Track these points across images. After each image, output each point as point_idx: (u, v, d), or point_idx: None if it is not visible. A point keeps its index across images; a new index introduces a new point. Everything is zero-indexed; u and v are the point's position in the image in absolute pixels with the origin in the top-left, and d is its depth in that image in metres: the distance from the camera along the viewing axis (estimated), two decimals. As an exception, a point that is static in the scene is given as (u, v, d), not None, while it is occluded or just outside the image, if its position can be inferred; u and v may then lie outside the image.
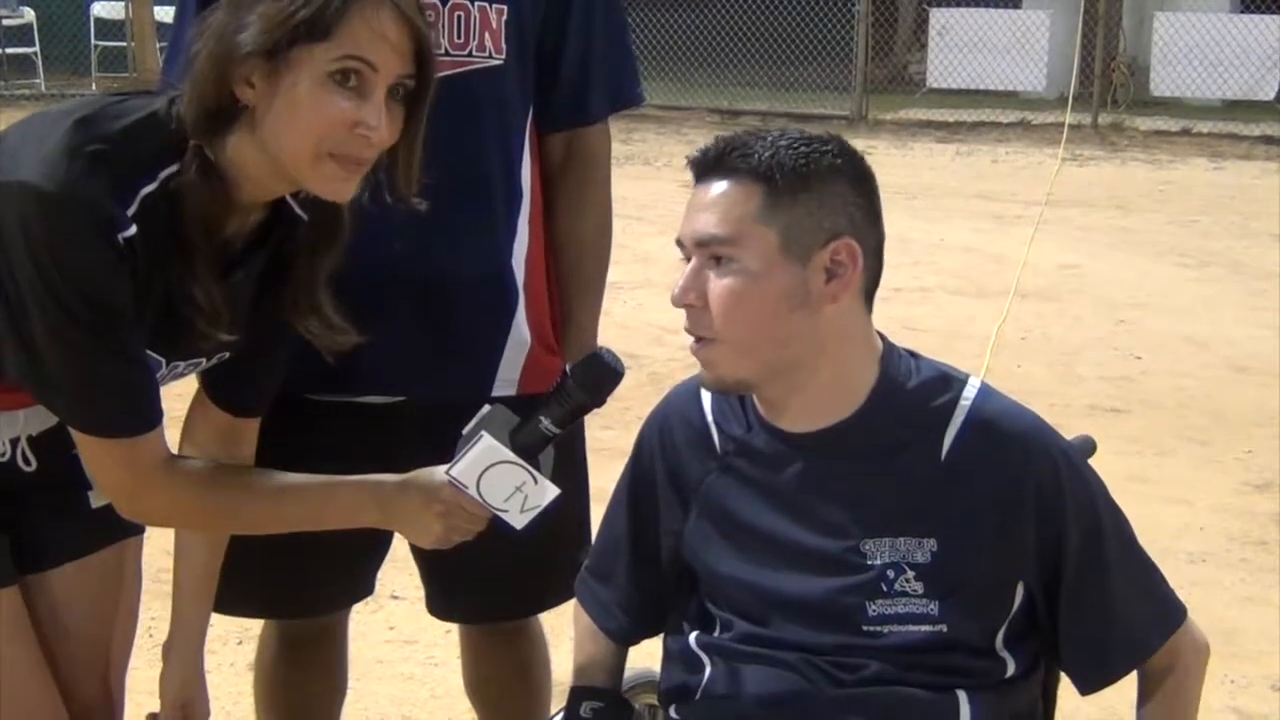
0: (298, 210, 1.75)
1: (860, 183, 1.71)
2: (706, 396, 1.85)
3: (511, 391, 2.13)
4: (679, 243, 1.74)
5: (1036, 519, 1.71)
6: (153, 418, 1.69)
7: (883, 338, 1.78)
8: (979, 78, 14.16)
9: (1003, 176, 10.89)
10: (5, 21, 14.62)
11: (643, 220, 8.06)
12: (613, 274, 2.34)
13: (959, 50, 14.20)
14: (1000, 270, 7.60)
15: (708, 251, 1.69)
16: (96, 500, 1.90)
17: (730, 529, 1.79)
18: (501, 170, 2.10)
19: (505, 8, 2.04)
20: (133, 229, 1.59)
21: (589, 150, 2.21)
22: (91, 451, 1.70)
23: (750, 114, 13.67)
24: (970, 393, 1.75)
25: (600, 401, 1.69)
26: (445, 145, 2.02)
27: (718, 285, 1.68)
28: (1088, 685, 1.79)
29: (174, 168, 1.62)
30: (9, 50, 14.29)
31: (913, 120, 13.46)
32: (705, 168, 1.72)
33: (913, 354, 1.80)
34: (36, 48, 14.66)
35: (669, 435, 1.87)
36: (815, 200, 1.68)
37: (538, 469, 1.68)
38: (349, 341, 1.81)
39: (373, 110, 1.60)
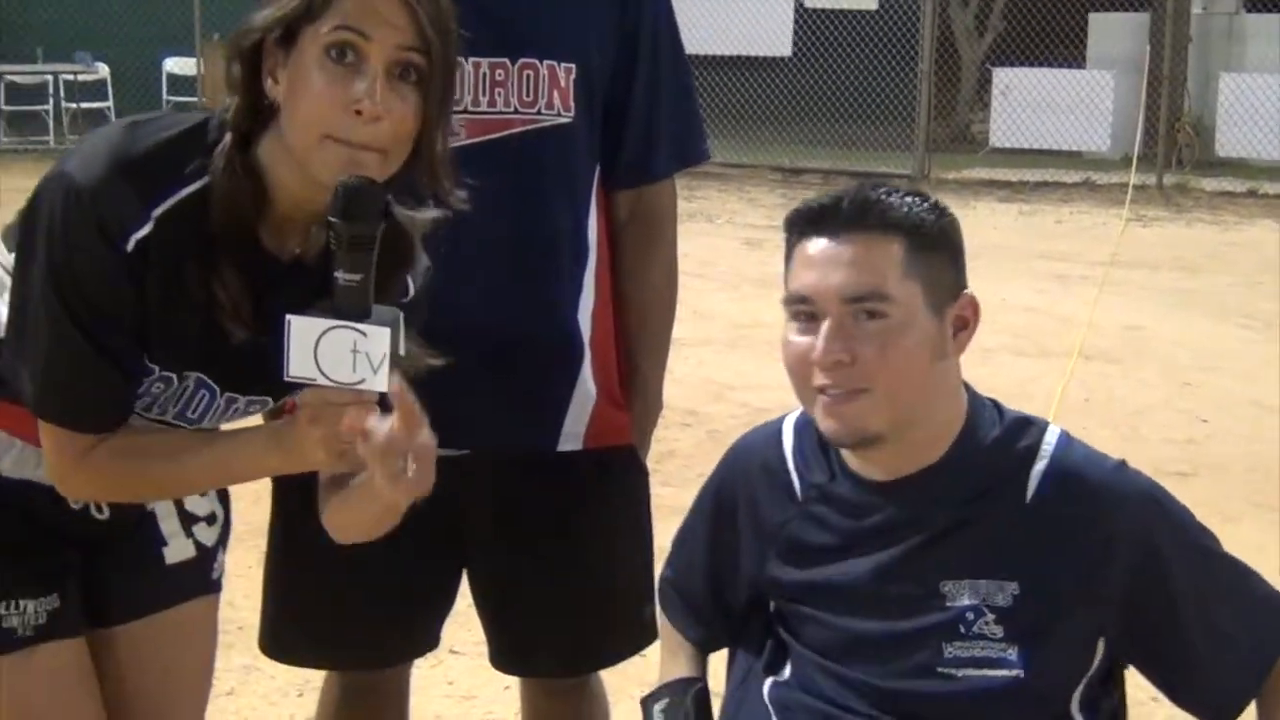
0: None
1: (960, 235, 1.77)
2: (788, 442, 1.85)
3: (577, 445, 2.13)
4: (801, 298, 1.72)
5: (1128, 566, 1.70)
6: (99, 423, 1.67)
7: (966, 386, 1.80)
8: (1043, 137, 14.12)
9: (1066, 236, 10.84)
10: (80, 76, 14.91)
11: (704, 277, 8.07)
12: (673, 330, 2.34)
13: (1023, 109, 14.17)
14: (1064, 331, 7.55)
15: (856, 307, 1.68)
16: (172, 556, 1.91)
17: (811, 574, 1.80)
18: (569, 227, 2.11)
19: (574, 66, 2.06)
20: (147, 229, 1.60)
21: (655, 207, 2.22)
22: (40, 426, 1.70)
23: (812, 172, 13.69)
24: (1051, 438, 1.77)
25: (354, 217, 1.53)
26: (513, 202, 2.04)
27: (872, 338, 1.68)
28: (1221, 716, 1.76)
29: (206, 179, 1.62)
30: (84, 105, 14.56)
31: (975, 179, 13.43)
32: (838, 223, 1.71)
33: (996, 404, 1.82)
34: (110, 102, 14.93)
35: (749, 476, 1.88)
36: (947, 255, 1.73)
37: (361, 321, 1.53)
38: (423, 365, 1.72)
39: (366, 85, 1.53)
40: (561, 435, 2.13)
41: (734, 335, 7.28)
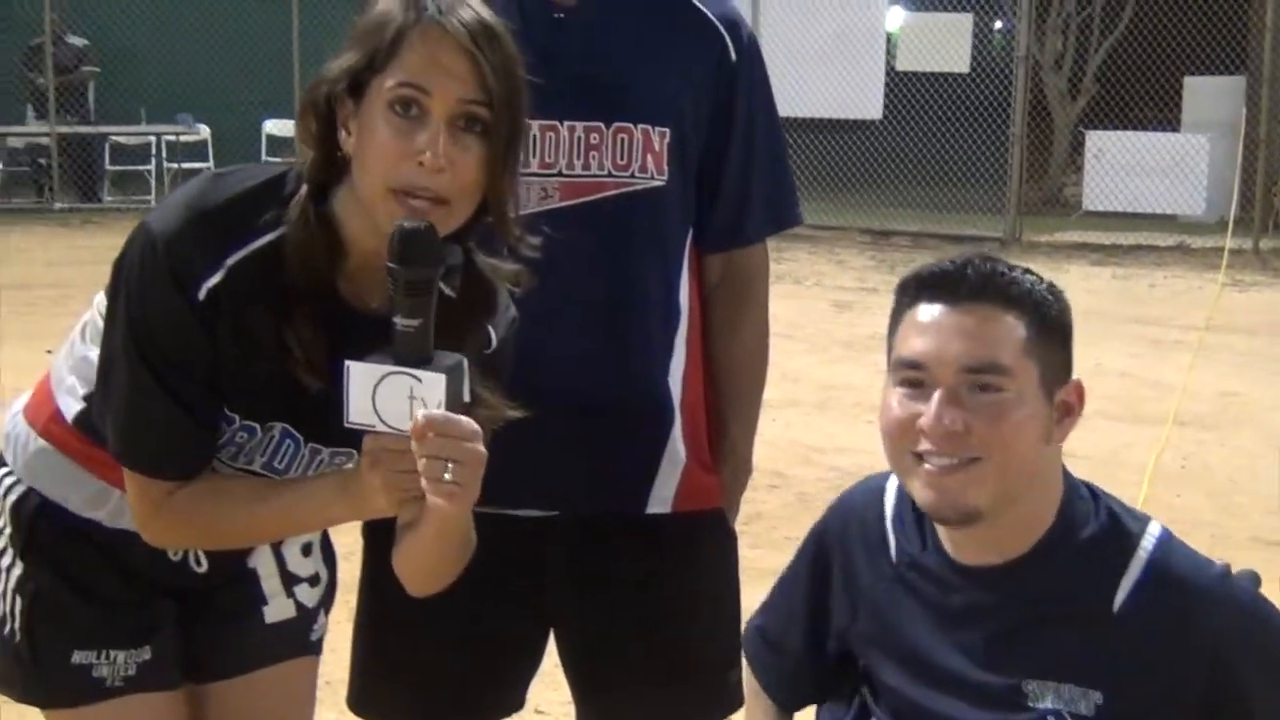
0: (445, 288, 1.69)
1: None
2: (890, 500, 1.83)
3: (666, 509, 2.13)
4: (913, 364, 1.69)
5: (1213, 678, 1.65)
6: (178, 470, 1.70)
7: (1066, 474, 1.76)
8: (1136, 201, 13.95)
9: (1160, 301, 10.69)
10: (182, 137, 15.23)
11: (792, 339, 8.05)
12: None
13: (1116, 173, 14.03)
14: (1158, 397, 7.43)
15: (972, 378, 1.66)
16: (272, 615, 1.92)
17: (896, 641, 1.78)
18: (660, 289, 2.12)
19: (668, 130, 2.07)
20: (219, 278, 1.63)
21: (747, 270, 2.22)
22: (124, 473, 1.74)
23: (902, 234, 13.63)
24: (1149, 543, 1.71)
25: (410, 261, 1.54)
26: (606, 264, 2.05)
27: (985, 409, 1.65)
28: None
29: (282, 230, 1.65)
30: (185, 165, 14.86)
31: (1068, 243, 13.30)
32: (960, 292, 1.68)
33: (1094, 491, 1.77)
34: (210, 163, 15.21)
35: (848, 531, 1.86)
36: (1062, 339, 1.70)
37: (419, 367, 1.54)
38: (503, 417, 1.73)
39: (428, 137, 1.56)
40: (650, 498, 2.12)
41: (822, 397, 7.24)
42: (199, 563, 1.88)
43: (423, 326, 1.55)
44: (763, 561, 3.36)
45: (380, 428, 1.55)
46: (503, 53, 1.60)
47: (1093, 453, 6.30)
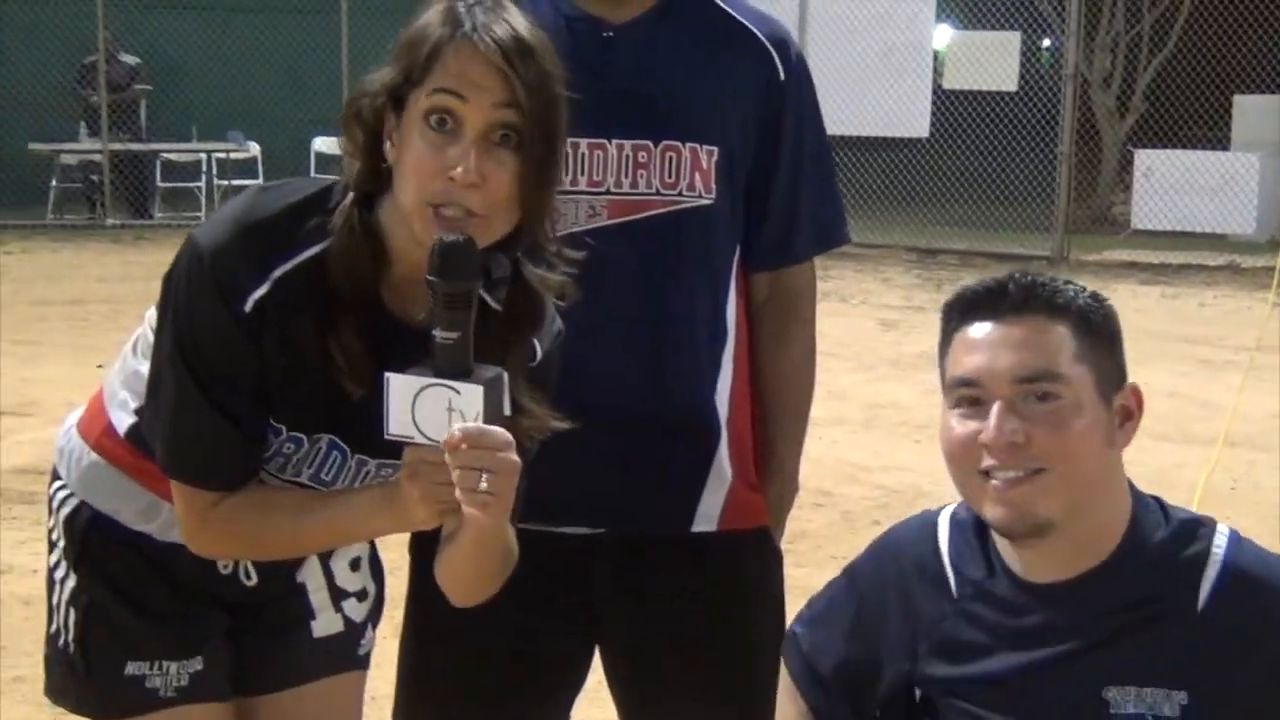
0: (490, 301, 1.70)
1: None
2: (944, 537, 1.82)
3: (712, 527, 2.12)
4: (967, 382, 1.70)
5: None
6: (223, 481, 1.71)
7: (1133, 489, 1.76)
8: (1185, 220, 13.84)
9: (1210, 320, 10.60)
10: (233, 155, 15.36)
11: (838, 357, 8.02)
12: (810, 411, 2.33)
13: (1165, 192, 13.93)
14: (1208, 417, 7.36)
15: (1028, 388, 1.66)
16: (320, 630, 1.93)
17: (965, 669, 1.76)
18: (708, 307, 2.12)
19: (716, 149, 2.07)
20: (265, 289, 1.64)
21: (794, 288, 2.22)
22: (172, 485, 1.75)
23: (948, 253, 13.58)
24: (1221, 541, 1.71)
25: (448, 274, 1.55)
26: (653, 281, 2.06)
27: (1045, 418, 1.66)
28: None
29: (328, 242, 1.66)
30: (235, 181, 14.97)
31: (1116, 261, 13.21)
32: (1004, 307, 1.70)
33: (1160, 502, 1.77)
34: (260, 179, 15.34)
35: (901, 571, 1.84)
36: (1113, 344, 1.72)
37: (458, 380, 1.55)
38: (548, 428, 1.73)
39: (459, 151, 1.57)
40: (696, 516, 2.12)
41: (869, 416, 7.21)
42: (249, 576, 1.90)
43: (462, 339, 1.55)
44: (808, 580, 3.34)
45: (419, 439, 1.56)
46: (537, 68, 1.60)
47: (1142, 473, 6.19)
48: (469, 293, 1.56)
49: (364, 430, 1.68)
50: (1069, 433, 1.65)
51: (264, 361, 1.67)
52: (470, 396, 1.53)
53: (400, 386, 1.55)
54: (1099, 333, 1.70)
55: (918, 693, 1.83)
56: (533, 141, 1.60)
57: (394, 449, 1.68)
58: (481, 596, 1.76)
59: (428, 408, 1.54)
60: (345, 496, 1.73)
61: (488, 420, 1.53)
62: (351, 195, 1.66)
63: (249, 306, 1.64)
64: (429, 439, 1.55)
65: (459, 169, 1.56)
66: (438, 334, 1.55)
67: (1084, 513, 1.68)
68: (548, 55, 1.63)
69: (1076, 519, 1.67)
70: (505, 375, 1.57)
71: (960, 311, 1.73)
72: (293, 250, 1.66)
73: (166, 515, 1.84)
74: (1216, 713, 1.65)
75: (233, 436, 1.69)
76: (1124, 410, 1.72)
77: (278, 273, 1.65)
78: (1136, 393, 1.74)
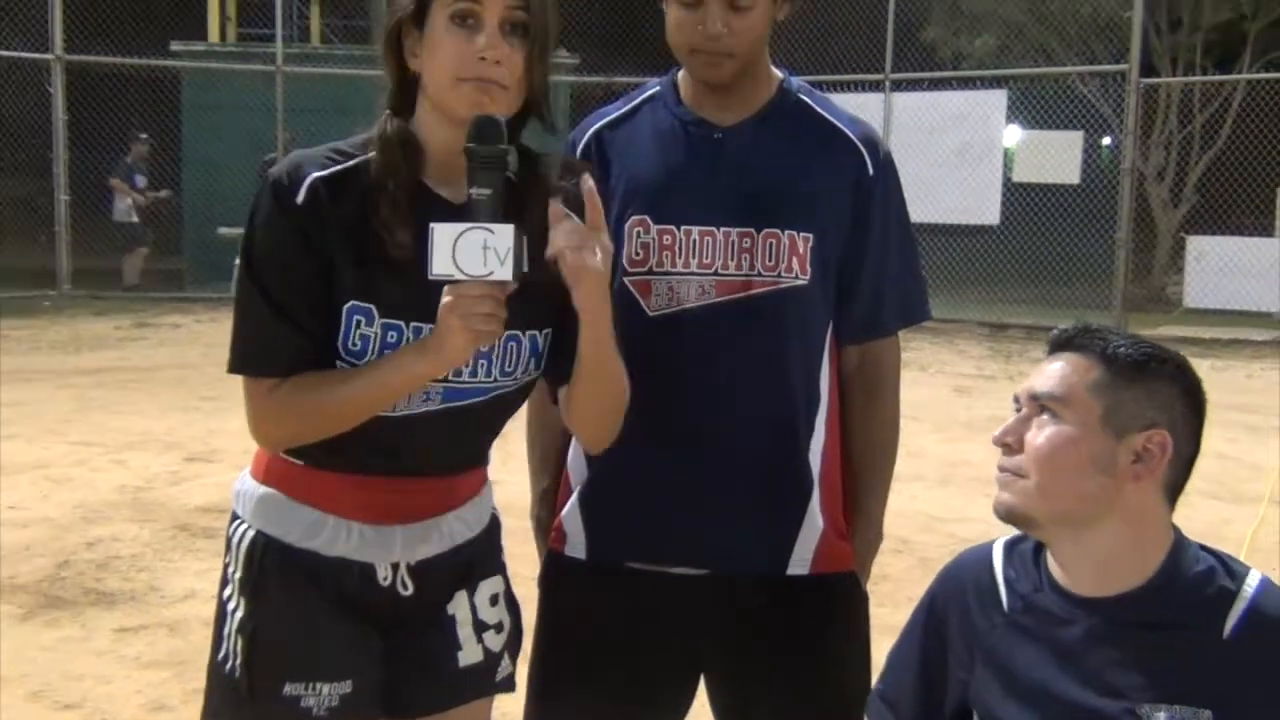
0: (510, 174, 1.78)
1: (1192, 398, 1.75)
2: (998, 560, 1.84)
3: (805, 570, 2.10)
4: (1015, 398, 1.80)
5: None
6: (274, 366, 1.77)
7: (1177, 530, 1.76)
8: (1234, 299, 13.56)
9: (1257, 391, 10.32)
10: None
11: (916, 420, 7.93)
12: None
13: (1215, 274, 13.66)
14: (1255, 477, 7.15)
15: (1037, 405, 1.75)
16: (464, 660, 1.93)
17: (1013, 681, 1.75)
18: (803, 375, 2.11)
19: (811, 236, 2.07)
20: (315, 189, 1.75)
21: (881, 359, 2.20)
22: (243, 389, 1.81)
23: (1016, 327, 13.40)
24: (1253, 582, 1.71)
25: (483, 139, 1.67)
26: (757, 353, 2.06)
27: (1037, 433, 1.73)
28: None
29: (370, 154, 1.80)
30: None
31: (1170, 337, 12.92)
32: (1061, 343, 1.79)
33: (1202, 545, 1.77)
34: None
35: (961, 591, 1.85)
36: (1144, 392, 1.72)
37: (489, 219, 1.65)
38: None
39: (487, 40, 1.74)
40: (791, 560, 2.10)
41: (944, 473, 7.11)
42: (404, 585, 1.89)
43: (494, 195, 1.67)
44: (889, 618, 3.29)
45: (459, 276, 1.64)
46: None
47: (1193, 528, 6.02)
48: (500, 155, 1.68)
49: (435, 309, 1.72)
50: (1047, 445, 1.71)
51: (330, 256, 1.75)
52: (502, 234, 1.64)
53: (442, 233, 1.64)
54: (1127, 378, 1.72)
55: (975, 717, 1.81)
56: (536, 29, 1.78)
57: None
58: (607, 433, 1.87)
59: (466, 249, 1.63)
60: (388, 358, 1.76)
61: (515, 261, 1.64)
62: (389, 110, 1.82)
63: (302, 196, 1.75)
64: (468, 275, 1.64)
65: (488, 50, 1.74)
66: (474, 191, 1.67)
67: (1080, 527, 1.72)
68: None
69: (1070, 529, 1.72)
70: (525, 236, 1.67)
71: (1049, 347, 1.83)
72: (341, 160, 1.80)
73: (330, 529, 1.84)
74: None
75: (280, 324, 1.76)
76: (1142, 451, 1.71)
77: (326, 173, 1.77)
78: (1160, 439, 1.71)
